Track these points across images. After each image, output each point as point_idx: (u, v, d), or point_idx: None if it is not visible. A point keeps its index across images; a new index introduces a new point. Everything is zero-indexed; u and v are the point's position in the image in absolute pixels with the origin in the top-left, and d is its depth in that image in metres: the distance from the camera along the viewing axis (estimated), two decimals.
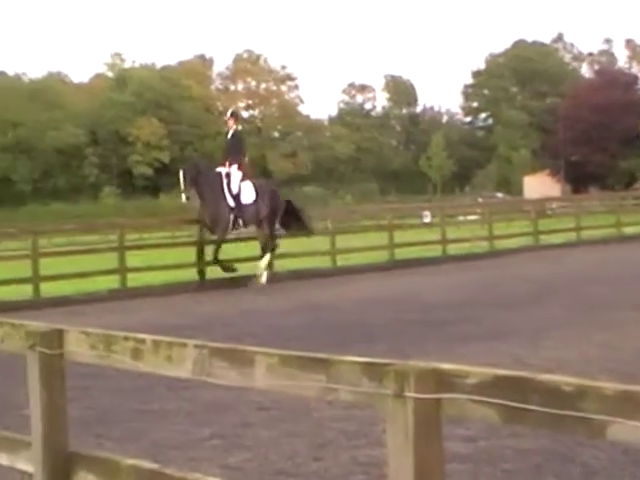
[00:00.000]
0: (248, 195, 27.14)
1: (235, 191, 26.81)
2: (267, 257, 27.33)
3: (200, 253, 27.01)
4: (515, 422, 3.36)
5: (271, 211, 27.56)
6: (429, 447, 3.55)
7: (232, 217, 26.70)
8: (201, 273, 27.28)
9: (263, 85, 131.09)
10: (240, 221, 27.07)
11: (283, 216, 28.27)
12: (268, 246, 27.54)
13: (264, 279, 26.80)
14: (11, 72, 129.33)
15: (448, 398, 3.51)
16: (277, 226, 28.42)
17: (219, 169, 27.64)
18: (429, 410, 3.53)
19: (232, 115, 29.19)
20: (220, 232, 26.76)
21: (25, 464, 5.58)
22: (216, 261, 26.75)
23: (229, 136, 28.47)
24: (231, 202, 26.64)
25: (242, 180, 27.34)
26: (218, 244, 26.88)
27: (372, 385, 3.70)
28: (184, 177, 26.50)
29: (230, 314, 20.36)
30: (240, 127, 30.06)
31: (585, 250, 37.54)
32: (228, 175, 26.99)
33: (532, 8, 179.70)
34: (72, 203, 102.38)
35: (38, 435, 5.39)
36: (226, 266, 26.86)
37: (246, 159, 29.02)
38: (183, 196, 26.94)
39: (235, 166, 27.24)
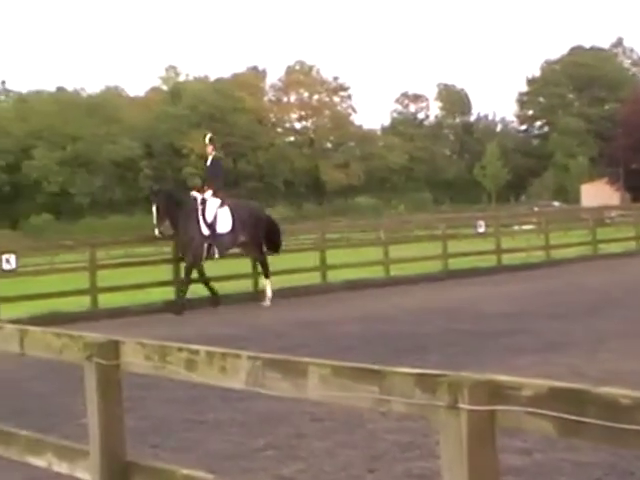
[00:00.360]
0: (224, 224, 25.54)
1: (210, 219, 25.34)
2: (268, 283, 26.29)
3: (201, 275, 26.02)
4: (571, 435, 3.33)
5: (251, 238, 26.24)
6: (483, 459, 3.54)
7: (206, 246, 25.33)
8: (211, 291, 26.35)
9: (315, 96, 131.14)
10: (215, 250, 25.52)
11: (266, 238, 26.89)
12: (259, 266, 26.78)
13: (269, 295, 26.01)
14: (70, 87, 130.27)
15: (502, 410, 3.51)
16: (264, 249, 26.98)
17: (194, 194, 26.45)
18: (483, 422, 3.52)
19: (210, 141, 27.50)
20: (191, 261, 25.28)
21: (83, 473, 5.63)
22: (187, 282, 25.53)
23: (208, 163, 27.25)
24: (205, 231, 25.25)
25: (220, 206, 25.71)
26: (188, 270, 25.41)
27: (425, 396, 3.70)
28: (157, 209, 25.15)
29: (284, 325, 20.36)
30: (218, 153, 29.12)
31: None
32: (204, 201, 25.61)
33: (589, 13, 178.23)
34: (128, 215, 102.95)
35: (96, 444, 5.43)
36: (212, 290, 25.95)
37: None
38: (156, 231, 25.54)
39: (210, 192, 25.82)
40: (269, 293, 25.75)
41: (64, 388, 6.72)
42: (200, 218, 25.19)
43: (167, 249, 29.32)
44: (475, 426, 3.52)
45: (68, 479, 6.15)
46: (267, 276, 26.27)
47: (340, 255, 32.40)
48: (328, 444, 10.25)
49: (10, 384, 14.02)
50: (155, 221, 25.31)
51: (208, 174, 27.22)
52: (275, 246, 26.71)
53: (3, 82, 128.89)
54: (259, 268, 27.11)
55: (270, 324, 20.52)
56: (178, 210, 25.19)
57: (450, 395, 3.57)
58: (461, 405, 3.53)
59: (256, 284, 28.40)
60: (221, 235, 25.36)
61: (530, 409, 3.43)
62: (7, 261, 26.40)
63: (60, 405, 8.81)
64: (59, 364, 6.06)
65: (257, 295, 27.48)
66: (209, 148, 27.00)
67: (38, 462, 6.16)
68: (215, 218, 25.35)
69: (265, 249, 26.61)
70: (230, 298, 26.69)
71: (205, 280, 25.89)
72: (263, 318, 22.20)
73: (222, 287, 27.40)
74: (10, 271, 26.35)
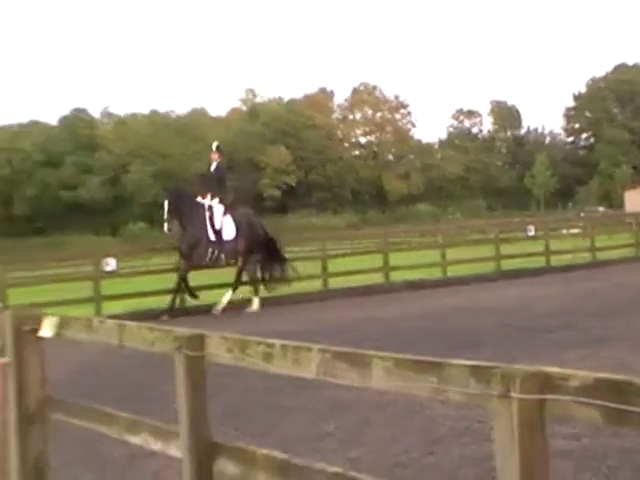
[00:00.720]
0: (229, 231, 24.26)
1: (218, 226, 24.04)
2: (229, 294, 24.56)
3: (183, 281, 24.05)
4: (617, 423, 3.29)
5: (247, 247, 24.70)
6: (534, 444, 3.51)
7: (211, 251, 23.87)
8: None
9: (379, 114, 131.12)
10: (222, 256, 24.15)
11: (265, 258, 25.38)
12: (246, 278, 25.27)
13: (256, 307, 24.67)
14: (162, 110, 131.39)
15: (551, 399, 3.48)
16: (255, 267, 25.26)
17: (200, 200, 24.52)
18: (533, 410, 3.49)
19: (217, 149, 25.71)
20: (196, 262, 23.94)
21: (175, 451, 5.66)
22: (184, 288, 23.95)
23: (212, 168, 25.31)
24: (212, 236, 23.91)
25: (223, 214, 24.34)
26: (186, 272, 23.93)
27: (479, 386, 3.68)
28: (168, 207, 23.73)
29: (350, 321, 20.36)
30: (223, 160, 26.30)
31: None
32: (210, 208, 24.15)
33: (632, 31, 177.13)
34: None
35: (185, 427, 5.46)
36: (192, 293, 24.21)
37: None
38: (165, 226, 24.05)
39: (217, 200, 24.38)
40: (255, 306, 24.81)
41: (157, 377, 6.78)
42: (208, 223, 23.98)
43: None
44: (525, 414, 3.49)
45: (161, 456, 6.18)
46: (235, 286, 24.83)
47: (401, 257, 32.36)
48: (391, 429, 10.23)
49: (112, 373, 14.17)
50: (165, 217, 23.95)
51: (211, 180, 25.18)
52: (279, 256, 25.73)
53: (106, 107, 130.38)
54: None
55: (338, 320, 20.49)
56: (188, 212, 23.95)
57: (502, 385, 3.54)
58: (513, 394, 3.50)
59: (325, 284, 28.47)
60: (227, 242, 24.20)
61: (577, 398, 3.40)
62: (108, 264, 26.76)
63: (154, 392, 8.88)
64: (152, 355, 6.09)
65: (324, 294, 27.55)
66: (215, 155, 25.44)
67: (136, 440, 6.21)
68: (221, 225, 24.20)
69: (267, 259, 25.35)
70: (299, 298, 26.82)
71: (187, 286, 24.08)
72: (331, 315, 22.16)
73: (293, 286, 27.53)
74: (111, 272, 26.65)
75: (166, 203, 23.79)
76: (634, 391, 3.23)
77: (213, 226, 23.92)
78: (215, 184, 24.78)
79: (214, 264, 24.48)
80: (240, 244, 24.39)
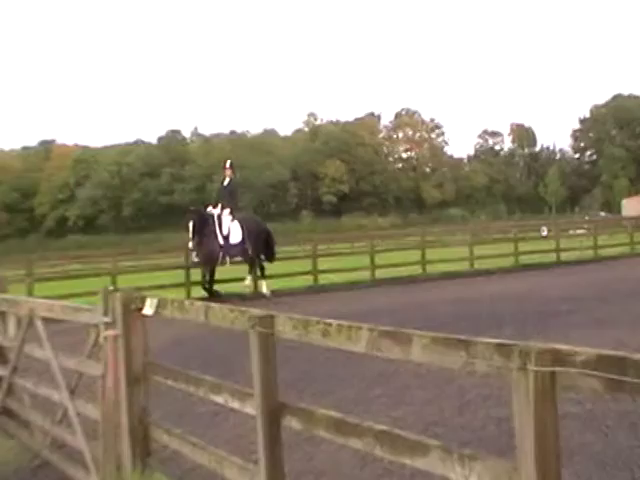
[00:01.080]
0: (236, 236, 23.45)
1: (225, 232, 23.24)
2: (264, 282, 24.46)
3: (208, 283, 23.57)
4: (615, 391, 3.29)
5: (254, 249, 24.00)
6: (546, 408, 3.51)
7: (221, 254, 23.22)
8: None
9: (417, 134, 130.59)
10: (227, 258, 23.47)
11: (264, 248, 24.68)
12: (258, 270, 24.55)
13: (267, 292, 24.05)
14: (239, 130, 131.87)
15: (561, 371, 3.48)
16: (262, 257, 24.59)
17: (211, 210, 23.77)
18: (546, 380, 3.49)
19: (230, 166, 24.50)
20: (211, 267, 23.34)
21: (250, 410, 5.70)
22: (206, 288, 23.46)
23: (225, 183, 24.23)
24: (221, 241, 23.14)
25: (232, 220, 23.49)
26: (207, 275, 23.42)
27: (501, 360, 3.68)
28: (192, 226, 22.85)
29: (394, 305, 20.35)
30: (234, 176, 25.02)
31: None
32: (219, 217, 23.31)
33: (628, 67, 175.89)
34: (280, 223, 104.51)
35: (258, 390, 5.49)
36: (215, 292, 23.40)
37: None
38: (190, 244, 23.12)
39: (227, 210, 23.45)
40: (265, 289, 24.34)
41: (236, 349, 6.84)
42: (217, 231, 23.22)
43: (308, 247, 29.45)
44: (539, 383, 3.50)
45: (239, 413, 6.23)
46: (264, 277, 24.62)
47: (436, 253, 32.27)
48: (427, 395, 10.23)
49: (199, 345, 14.30)
50: (191, 235, 22.92)
51: (224, 194, 23.98)
52: (271, 255, 25.01)
53: (195, 128, 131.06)
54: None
55: (384, 305, 20.48)
56: (204, 226, 23.01)
57: (520, 359, 3.55)
58: (529, 367, 3.50)
59: (373, 274, 28.47)
60: (234, 245, 23.48)
61: (583, 371, 3.40)
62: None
63: (233, 361, 8.97)
64: (232, 331, 6.15)
65: (372, 283, 27.57)
66: (228, 171, 24.29)
67: (218, 399, 6.26)
68: (229, 231, 23.41)
69: (263, 257, 24.68)
70: (351, 286, 26.86)
71: (211, 282, 23.56)
72: (379, 300, 22.15)
73: (338, 277, 27.56)
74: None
75: (191, 224, 22.86)
76: (629, 365, 3.23)
77: (222, 232, 23.27)
78: (227, 197, 23.82)
79: (222, 264, 23.65)
80: (248, 247, 23.74)
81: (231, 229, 23.45)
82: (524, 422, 3.54)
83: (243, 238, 23.59)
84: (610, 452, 7.66)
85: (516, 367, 3.56)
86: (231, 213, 23.62)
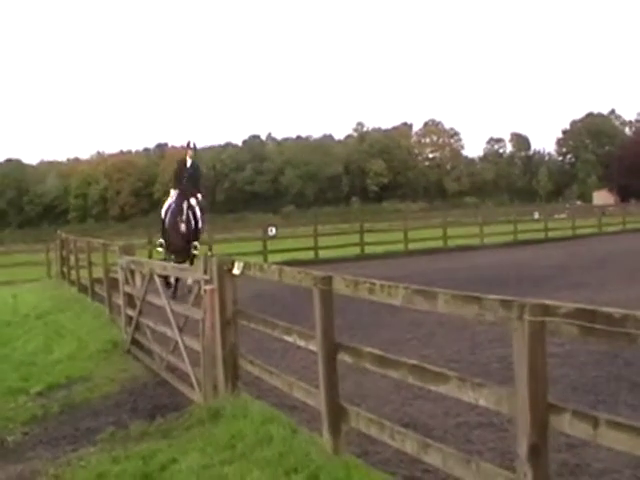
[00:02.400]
0: (201, 221, 16.81)
1: (195, 220, 16.50)
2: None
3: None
4: (587, 335, 3.31)
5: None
6: (537, 348, 3.53)
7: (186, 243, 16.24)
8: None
9: (441, 139, 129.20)
10: (195, 243, 16.26)
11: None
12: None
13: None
14: (304, 134, 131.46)
15: (548, 320, 3.49)
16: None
17: (177, 198, 16.42)
18: (537, 327, 3.51)
19: (187, 145, 17.13)
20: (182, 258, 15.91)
21: (313, 347, 5.74)
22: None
23: (188, 165, 16.81)
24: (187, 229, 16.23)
25: (197, 205, 16.65)
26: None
27: (505, 312, 3.70)
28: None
29: (423, 270, 20.28)
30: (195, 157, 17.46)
31: (628, 235, 35.97)
32: (191, 206, 16.41)
33: (600, 89, 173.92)
34: (334, 207, 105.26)
35: (319, 332, 5.52)
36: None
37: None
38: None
39: (199, 195, 16.89)
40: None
41: (303, 301, 6.93)
42: (192, 219, 16.35)
43: (356, 225, 29.48)
44: (533, 330, 3.51)
45: (304, 350, 6.29)
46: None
47: (454, 230, 32.08)
48: (448, 338, 10.24)
49: (274, 298, 14.40)
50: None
51: (189, 177, 16.60)
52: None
53: (270, 133, 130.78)
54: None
55: (415, 270, 20.42)
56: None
57: (518, 311, 3.57)
58: (525, 317, 3.52)
59: (406, 246, 28.37)
60: (198, 230, 16.74)
61: (564, 320, 3.41)
62: (271, 230, 27.06)
63: (301, 310, 9.04)
64: (299, 288, 6.20)
65: (406, 253, 27.51)
66: (189, 152, 17.00)
67: (289, 339, 6.32)
68: (198, 218, 16.65)
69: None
70: (389, 255, 26.84)
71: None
72: (411, 266, 22.07)
73: (379, 248, 27.47)
74: (273, 237, 26.94)
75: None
76: (597, 315, 3.26)
77: (195, 220, 16.68)
78: (193, 181, 16.83)
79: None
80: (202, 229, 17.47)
81: (198, 215, 16.85)
82: (520, 358, 3.57)
83: (202, 222, 17.21)
84: (581, 380, 7.68)
85: (515, 317, 3.59)
86: (203, 197, 17.47)
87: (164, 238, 16.56)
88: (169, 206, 16.65)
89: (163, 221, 16.71)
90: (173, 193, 16.75)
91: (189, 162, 16.88)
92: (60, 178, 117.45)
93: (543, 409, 3.49)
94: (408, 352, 8.32)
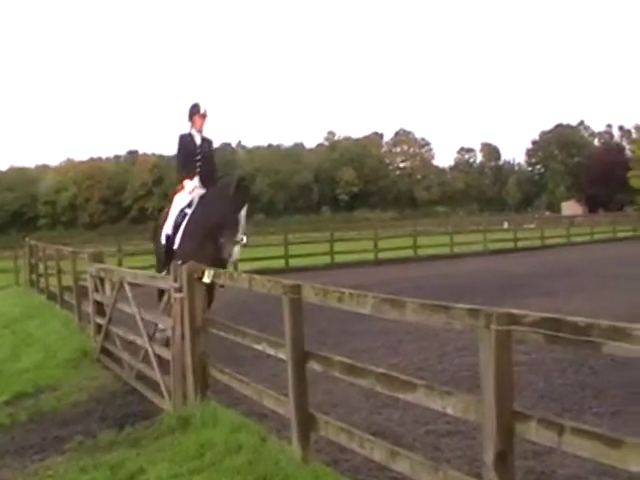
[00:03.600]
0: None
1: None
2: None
3: None
4: (553, 344, 3.35)
5: None
6: (503, 356, 3.56)
7: None
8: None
9: (412, 149, 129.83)
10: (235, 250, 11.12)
11: None
12: None
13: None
14: (274, 142, 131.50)
15: (515, 329, 3.53)
16: None
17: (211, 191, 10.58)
18: (504, 336, 3.54)
19: (198, 112, 10.86)
20: None
21: (282, 355, 5.75)
22: None
23: (198, 142, 10.92)
24: None
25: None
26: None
27: (472, 321, 3.73)
28: None
29: (393, 278, 20.35)
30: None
31: (596, 245, 36.37)
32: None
33: (569, 101, 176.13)
34: (305, 216, 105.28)
35: (288, 341, 5.52)
36: None
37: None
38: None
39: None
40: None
41: (272, 310, 6.88)
42: None
43: (326, 234, 29.44)
44: (499, 338, 3.55)
45: (273, 358, 6.26)
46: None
47: (424, 239, 32.23)
48: (416, 347, 10.27)
49: (245, 306, 14.37)
50: None
51: (203, 155, 10.95)
52: None
53: (240, 140, 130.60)
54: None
55: (385, 279, 20.46)
56: None
57: (485, 320, 3.60)
58: (491, 326, 3.55)
59: (376, 255, 28.39)
60: None
61: (530, 329, 3.44)
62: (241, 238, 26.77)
63: (270, 319, 9.02)
64: (269, 296, 6.20)
65: (375, 262, 27.54)
66: (199, 122, 10.82)
67: (258, 347, 6.30)
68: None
69: None
70: (359, 264, 26.84)
71: None
72: (380, 275, 22.12)
73: (350, 257, 27.48)
74: (243, 245, 26.73)
75: None
76: (562, 324, 3.30)
77: None
78: (210, 165, 11.05)
79: None
80: None
81: None
82: (487, 367, 3.59)
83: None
84: (548, 388, 7.75)
85: (482, 326, 3.61)
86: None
87: (183, 248, 10.12)
88: (192, 203, 10.56)
89: (177, 224, 10.50)
90: (190, 185, 10.60)
91: (198, 138, 10.77)
92: (29, 184, 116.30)
93: (509, 417, 3.53)
94: (377, 360, 8.35)
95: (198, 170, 10.83)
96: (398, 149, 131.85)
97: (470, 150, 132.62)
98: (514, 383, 3.63)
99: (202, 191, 10.58)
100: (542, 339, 3.39)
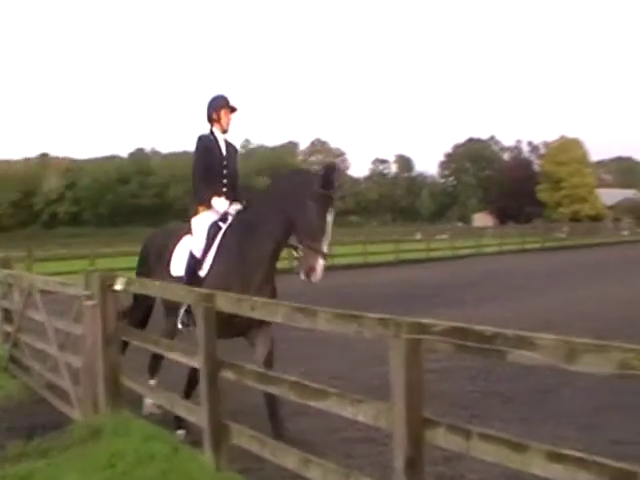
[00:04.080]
0: None
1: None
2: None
3: None
4: (461, 352, 3.41)
5: None
6: (414, 365, 3.62)
7: None
8: None
9: (327, 159, 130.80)
10: None
11: None
12: None
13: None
14: (187, 149, 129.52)
15: (424, 338, 3.59)
16: None
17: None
18: (414, 345, 3.59)
19: (226, 105, 7.60)
20: None
21: (196, 364, 5.72)
22: None
23: (222, 146, 7.64)
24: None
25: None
26: None
27: (382, 329, 3.78)
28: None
29: (309, 288, 20.31)
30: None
31: (505, 256, 37.29)
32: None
33: (480, 116, 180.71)
34: None
35: (202, 349, 5.49)
36: None
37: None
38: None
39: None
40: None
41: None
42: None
43: None
44: (409, 347, 3.61)
45: (186, 366, 6.19)
46: None
47: (338, 249, 32.24)
48: (329, 354, 10.35)
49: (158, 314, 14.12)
50: None
51: (229, 163, 7.70)
52: None
53: (153, 147, 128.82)
54: None
55: (297, 288, 20.38)
56: None
57: (395, 329, 3.66)
58: (402, 335, 3.61)
59: (291, 263, 28.31)
60: None
61: (440, 338, 3.52)
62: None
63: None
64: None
65: (289, 271, 27.48)
66: (226, 118, 7.63)
67: (173, 356, 6.23)
68: None
69: None
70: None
71: None
72: (292, 285, 22.04)
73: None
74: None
75: None
76: (469, 333, 3.37)
77: None
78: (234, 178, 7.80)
79: None
80: None
81: None
82: (397, 375, 3.65)
83: None
84: (458, 396, 7.92)
85: (392, 335, 3.67)
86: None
87: (218, 273, 6.87)
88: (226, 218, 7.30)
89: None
90: (221, 204, 7.37)
91: (223, 143, 7.70)
92: None
93: (419, 424, 3.59)
94: (289, 368, 8.38)
95: (224, 190, 7.53)
96: (313, 158, 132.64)
97: (384, 161, 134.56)
98: (425, 391, 3.70)
99: (237, 207, 7.30)
100: (451, 347, 3.46)
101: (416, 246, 37.98)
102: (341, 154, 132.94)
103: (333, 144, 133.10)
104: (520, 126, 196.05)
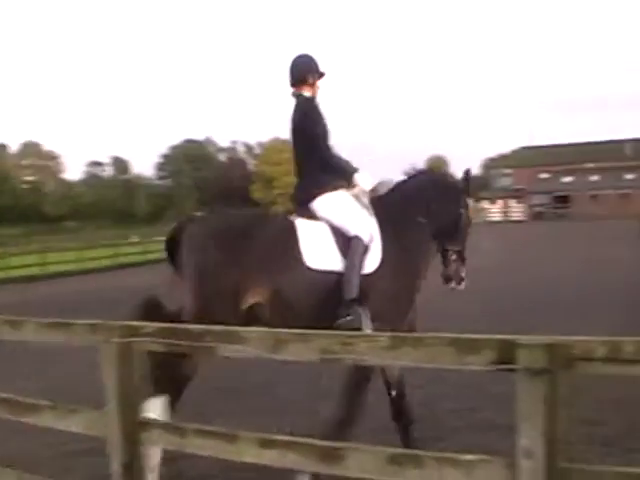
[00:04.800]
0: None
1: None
2: None
3: None
4: (172, 350, 3.44)
5: None
6: (125, 368, 3.58)
7: None
8: None
9: (40, 162, 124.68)
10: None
11: None
12: None
13: None
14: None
15: (134, 341, 3.56)
16: None
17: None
18: (124, 348, 3.57)
19: (319, 73, 5.78)
20: None
21: None
22: None
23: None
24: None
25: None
26: None
27: (93, 336, 3.71)
28: None
29: (26, 299, 19.25)
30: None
31: None
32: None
33: (205, 121, 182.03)
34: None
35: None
36: None
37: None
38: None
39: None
40: None
41: None
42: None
43: None
44: (120, 350, 3.56)
45: None
46: None
47: (55, 256, 30.90)
48: (51, 369, 9.86)
49: None
50: None
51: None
52: None
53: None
54: None
55: (8, 300, 19.25)
56: None
57: (105, 334, 3.60)
58: (112, 340, 3.57)
59: (8, 273, 26.64)
60: None
61: (150, 339, 3.52)
62: None
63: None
64: None
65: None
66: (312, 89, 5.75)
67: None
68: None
69: None
70: None
71: None
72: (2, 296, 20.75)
73: None
74: None
75: None
76: (179, 332, 3.43)
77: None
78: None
79: None
80: None
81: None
82: (109, 380, 3.62)
83: None
84: (191, 396, 7.92)
85: (102, 340, 3.64)
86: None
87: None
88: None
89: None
90: (367, 181, 5.76)
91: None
92: None
93: (133, 427, 3.60)
94: (5, 386, 7.94)
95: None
96: (25, 162, 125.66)
97: (100, 164, 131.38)
98: (140, 394, 3.70)
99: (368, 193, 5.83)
100: (164, 348, 3.50)
101: (135, 249, 37.41)
102: (55, 157, 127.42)
103: (46, 146, 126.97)
104: (236, 127, 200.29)
